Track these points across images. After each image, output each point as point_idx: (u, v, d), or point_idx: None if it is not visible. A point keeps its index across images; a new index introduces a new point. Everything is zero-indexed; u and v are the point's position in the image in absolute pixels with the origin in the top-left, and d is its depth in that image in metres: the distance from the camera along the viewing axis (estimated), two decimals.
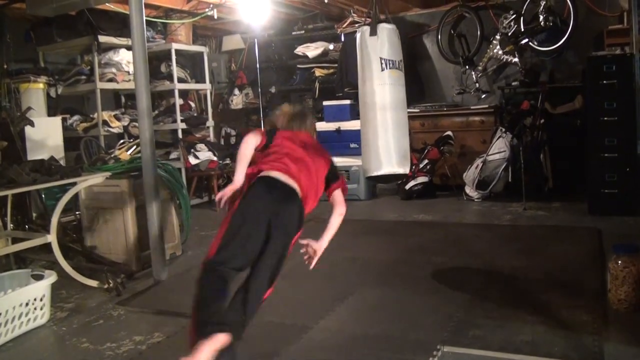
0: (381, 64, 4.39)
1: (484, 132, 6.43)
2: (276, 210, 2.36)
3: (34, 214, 4.57)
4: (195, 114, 7.40)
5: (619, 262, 2.92)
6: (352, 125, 6.46)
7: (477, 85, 6.63)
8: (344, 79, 6.87)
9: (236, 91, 8.19)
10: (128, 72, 6.29)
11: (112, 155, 4.51)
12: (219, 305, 2.16)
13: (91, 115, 6.33)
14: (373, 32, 4.37)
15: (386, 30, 4.44)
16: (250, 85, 8.12)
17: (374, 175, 4.52)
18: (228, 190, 2.44)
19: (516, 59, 6.32)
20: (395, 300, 3.26)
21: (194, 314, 2.19)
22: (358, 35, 4.54)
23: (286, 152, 2.55)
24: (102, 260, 4.12)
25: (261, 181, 2.44)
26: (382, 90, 4.41)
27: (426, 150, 6.43)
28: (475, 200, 6.09)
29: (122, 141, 5.58)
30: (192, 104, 7.50)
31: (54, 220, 3.70)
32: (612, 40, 5.68)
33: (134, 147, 4.59)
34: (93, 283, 3.81)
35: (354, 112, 6.64)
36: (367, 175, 4.65)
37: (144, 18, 3.84)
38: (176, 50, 6.76)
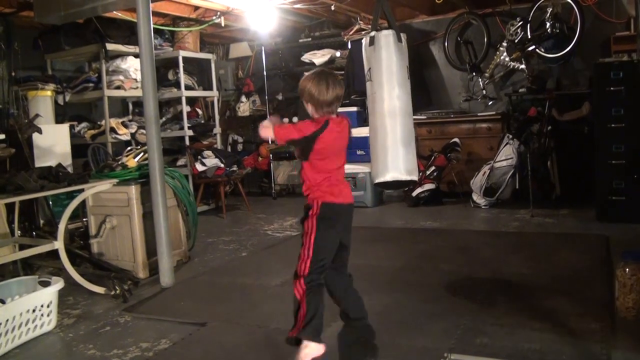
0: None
1: (491, 138, 6.43)
2: None
3: (42, 221, 4.59)
4: (202, 121, 7.44)
5: (627, 269, 2.90)
6: (359, 132, 6.43)
7: (484, 92, 6.63)
8: (350, 86, 6.88)
9: (243, 98, 8.22)
10: (135, 80, 6.33)
11: (120, 162, 4.51)
12: None
13: (99, 123, 6.37)
14: (399, 39, 4.28)
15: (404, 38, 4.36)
16: (257, 93, 8.16)
17: (381, 182, 4.50)
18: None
19: (523, 66, 6.32)
20: (402, 307, 3.25)
21: None
22: (374, 40, 4.36)
23: None
24: (109, 267, 4.13)
25: None
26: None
27: (433, 157, 6.42)
28: (483, 207, 6.08)
29: (129, 148, 5.59)
30: (199, 111, 7.53)
31: (61, 227, 3.71)
32: (619, 46, 5.68)
33: (142, 154, 4.59)
34: (100, 290, 3.82)
35: (361, 119, 6.66)
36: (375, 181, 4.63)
37: (152, 26, 3.87)
38: (183, 58, 6.81)
